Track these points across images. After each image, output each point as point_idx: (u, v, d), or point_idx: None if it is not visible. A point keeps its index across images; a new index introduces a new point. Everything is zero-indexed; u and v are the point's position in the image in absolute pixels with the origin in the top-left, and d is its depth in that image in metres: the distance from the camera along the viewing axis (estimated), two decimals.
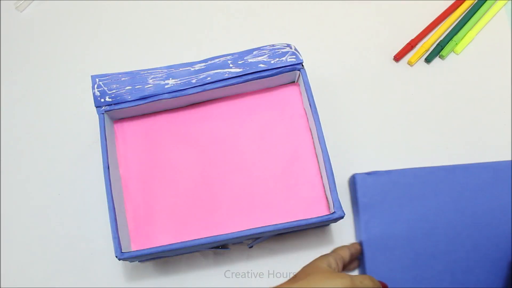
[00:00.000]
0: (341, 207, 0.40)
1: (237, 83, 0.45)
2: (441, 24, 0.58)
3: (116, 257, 0.39)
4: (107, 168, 0.42)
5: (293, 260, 0.47)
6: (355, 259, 0.45)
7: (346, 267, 0.44)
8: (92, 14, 0.60)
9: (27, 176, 0.51)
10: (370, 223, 0.44)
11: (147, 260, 0.45)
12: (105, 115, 0.44)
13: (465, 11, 0.58)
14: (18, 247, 0.48)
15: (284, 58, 0.45)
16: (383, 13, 0.59)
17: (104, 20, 0.60)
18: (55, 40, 0.59)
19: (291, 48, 0.46)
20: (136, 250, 0.39)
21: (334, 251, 0.43)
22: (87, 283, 0.47)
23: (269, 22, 0.59)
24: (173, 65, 0.45)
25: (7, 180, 0.51)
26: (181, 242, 0.39)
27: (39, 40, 0.59)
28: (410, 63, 0.55)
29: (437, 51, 0.55)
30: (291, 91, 0.48)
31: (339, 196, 0.41)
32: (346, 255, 0.42)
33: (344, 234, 0.47)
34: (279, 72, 0.45)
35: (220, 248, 0.44)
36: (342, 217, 0.40)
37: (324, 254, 0.41)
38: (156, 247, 0.39)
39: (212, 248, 0.43)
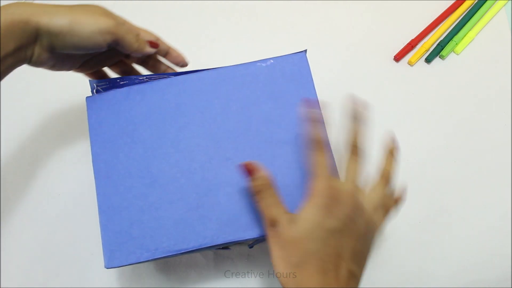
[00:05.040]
0: None
1: None
2: (441, 24, 0.58)
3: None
4: None
5: None
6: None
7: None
8: None
9: (27, 176, 0.51)
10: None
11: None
12: None
13: (465, 11, 0.58)
14: (18, 247, 0.48)
15: None
16: (383, 13, 0.59)
17: None
18: None
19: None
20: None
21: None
22: (87, 283, 0.47)
23: (269, 22, 0.59)
24: (172, 72, 0.45)
25: (7, 180, 0.51)
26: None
27: None
28: (410, 63, 0.55)
29: (437, 51, 0.55)
30: None
31: None
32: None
33: None
34: None
35: (221, 248, 0.44)
36: None
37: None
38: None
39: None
